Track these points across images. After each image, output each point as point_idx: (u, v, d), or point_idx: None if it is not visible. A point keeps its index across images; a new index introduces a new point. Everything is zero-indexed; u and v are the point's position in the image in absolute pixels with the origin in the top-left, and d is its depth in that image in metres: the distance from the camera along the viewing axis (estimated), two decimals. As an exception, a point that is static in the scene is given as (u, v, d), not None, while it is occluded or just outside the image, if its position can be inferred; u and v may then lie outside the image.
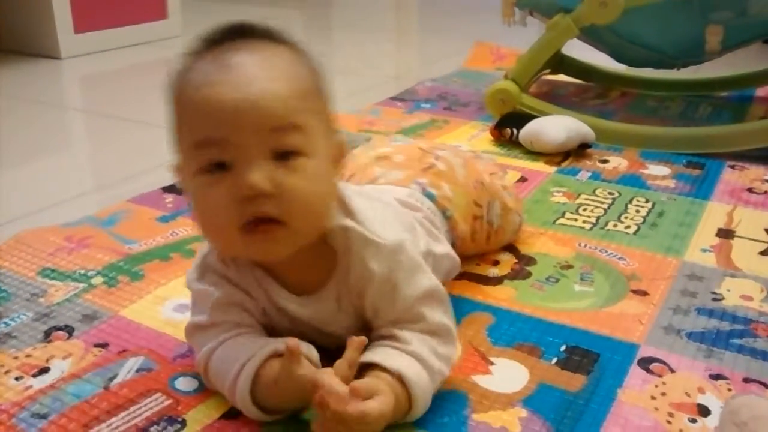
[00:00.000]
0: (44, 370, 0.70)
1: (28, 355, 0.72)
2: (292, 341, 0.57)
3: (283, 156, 0.57)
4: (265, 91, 0.56)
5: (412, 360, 0.62)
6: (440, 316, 0.65)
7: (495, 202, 0.87)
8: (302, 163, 0.57)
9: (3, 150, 1.36)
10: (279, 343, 0.61)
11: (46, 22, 2.04)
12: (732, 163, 1.24)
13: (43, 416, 0.63)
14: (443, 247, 0.77)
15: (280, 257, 0.60)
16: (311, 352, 0.62)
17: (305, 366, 0.57)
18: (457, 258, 0.80)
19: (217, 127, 0.56)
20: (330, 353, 0.63)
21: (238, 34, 0.60)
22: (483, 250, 0.89)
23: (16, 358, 0.72)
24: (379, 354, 0.62)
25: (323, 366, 0.59)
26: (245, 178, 0.55)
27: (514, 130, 1.30)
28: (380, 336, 0.65)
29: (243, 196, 0.56)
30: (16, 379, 0.68)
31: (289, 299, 0.65)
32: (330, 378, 0.55)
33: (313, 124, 0.59)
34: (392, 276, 0.64)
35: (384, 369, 0.60)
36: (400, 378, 0.60)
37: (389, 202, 0.75)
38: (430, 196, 0.80)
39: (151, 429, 0.62)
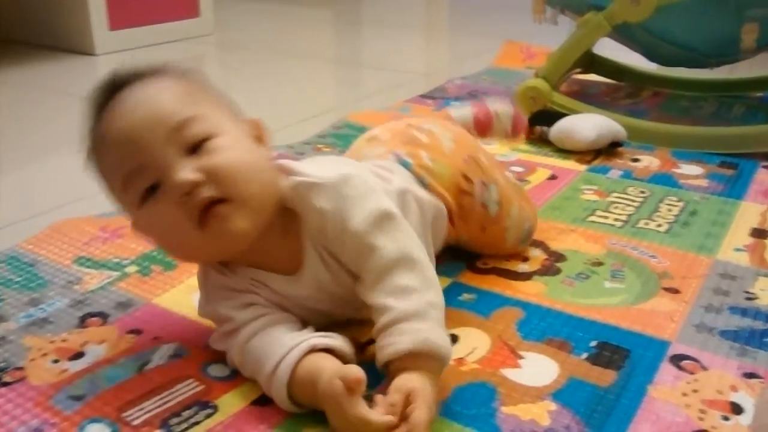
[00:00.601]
0: (79, 355, 0.71)
1: (64, 340, 0.73)
2: (353, 374, 0.57)
3: (195, 147, 0.61)
4: (148, 107, 0.62)
5: (408, 324, 0.61)
6: (396, 243, 0.64)
7: (491, 185, 0.83)
8: (216, 143, 0.62)
9: (38, 142, 1.38)
10: (314, 338, 0.63)
11: (81, 19, 2.08)
12: (766, 163, 1.22)
13: (79, 398, 0.65)
14: (425, 193, 0.77)
15: (244, 233, 0.62)
16: (345, 347, 0.63)
17: (358, 403, 0.57)
18: (441, 204, 0.78)
19: (129, 157, 0.61)
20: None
21: (119, 84, 0.65)
22: (479, 240, 0.85)
23: (52, 342, 0.73)
24: (385, 350, 0.61)
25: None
26: (173, 180, 0.60)
27: (545, 128, 1.29)
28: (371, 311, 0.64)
29: (181, 198, 0.59)
30: (53, 362, 0.70)
31: (284, 281, 0.67)
32: (378, 416, 0.56)
33: (208, 112, 0.64)
34: (341, 210, 0.64)
35: (398, 358, 0.60)
36: (413, 353, 0.60)
37: (364, 164, 0.76)
38: (406, 165, 0.79)
39: (184, 413, 0.63)
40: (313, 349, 0.62)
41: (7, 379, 0.67)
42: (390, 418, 0.56)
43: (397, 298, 0.62)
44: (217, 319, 0.68)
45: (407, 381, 0.59)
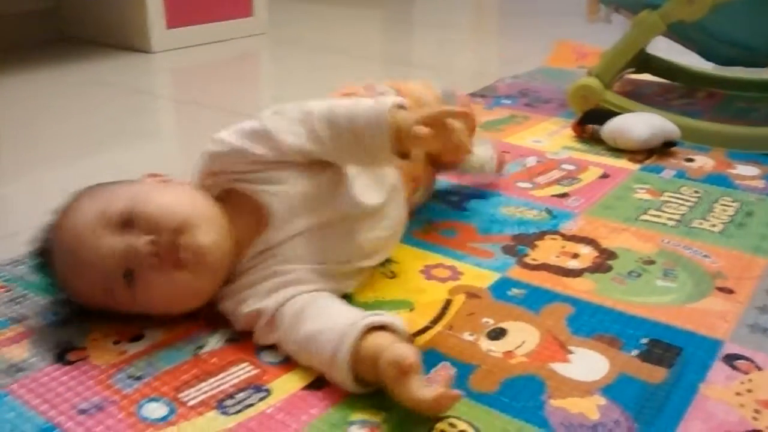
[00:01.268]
0: (139, 337, 0.73)
1: (124, 322, 0.76)
2: (406, 359, 0.59)
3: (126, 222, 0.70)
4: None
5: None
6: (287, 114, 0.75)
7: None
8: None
9: (98, 136, 1.43)
10: (368, 318, 0.64)
11: (139, 17, 2.13)
12: (826, 165, 1.20)
13: (138, 378, 0.67)
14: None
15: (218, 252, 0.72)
16: (397, 322, 0.65)
17: (411, 386, 0.59)
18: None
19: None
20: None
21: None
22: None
23: (113, 324, 0.76)
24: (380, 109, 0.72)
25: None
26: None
27: (597, 127, 1.28)
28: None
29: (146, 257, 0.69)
30: (114, 343, 0.72)
31: (275, 231, 0.73)
32: (428, 393, 0.58)
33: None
34: (228, 137, 0.75)
35: None
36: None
37: None
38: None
39: (238, 395, 0.64)
40: (368, 329, 0.64)
41: (70, 357, 0.70)
42: (439, 392, 0.57)
43: (336, 115, 0.73)
44: (250, 319, 0.71)
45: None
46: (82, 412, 0.63)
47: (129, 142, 1.40)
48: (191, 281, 0.70)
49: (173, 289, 0.70)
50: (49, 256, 0.73)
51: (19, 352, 0.71)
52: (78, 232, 0.69)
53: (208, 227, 0.70)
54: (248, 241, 0.74)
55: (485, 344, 0.72)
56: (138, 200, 0.70)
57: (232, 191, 0.75)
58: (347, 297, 0.78)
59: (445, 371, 0.59)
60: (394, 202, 0.82)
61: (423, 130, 0.68)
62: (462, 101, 1.04)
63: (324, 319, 0.67)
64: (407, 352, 0.59)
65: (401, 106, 0.72)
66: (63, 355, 0.70)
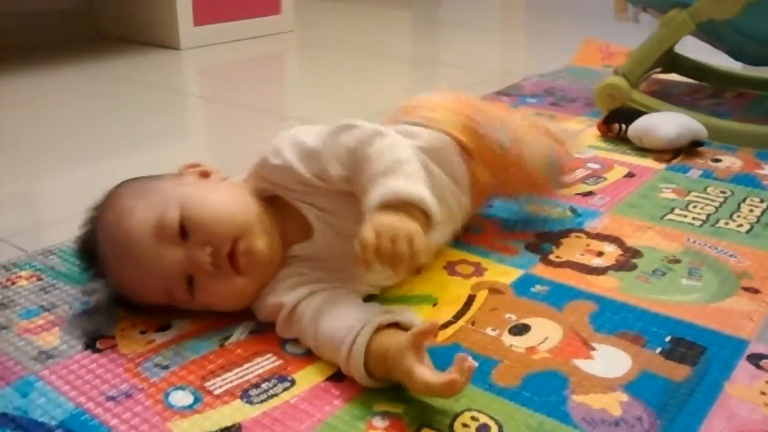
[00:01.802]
0: (166, 327, 0.75)
1: (151, 312, 0.77)
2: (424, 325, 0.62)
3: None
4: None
5: (379, 181, 0.67)
6: (353, 135, 0.72)
7: (499, 126, 0.86)
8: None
9: (127, 132, 1.45)
10: (379, 316, 0.65)
11: (168, 15, 2.16)
12: None
13: (165, 367, 0.68)
14: (422, 129, 0.81)
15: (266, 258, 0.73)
16: (411, 318, 0.66)
17: (412, 357, 0.60)
18: (444, 136, 0.82)
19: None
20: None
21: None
22: (507, 180, 0.86)
23: (141, 314, 0.77)
24: (370, 198, 0.67)
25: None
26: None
27: (623, 126, 1.28)
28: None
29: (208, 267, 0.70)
30: (141, 332, 0.74)
31: (309, 245, 0.75)
32: (421, 373, 0.59)
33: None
34: (295, 140, 0.74)
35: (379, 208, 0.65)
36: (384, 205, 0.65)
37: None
38: (418, 124, 0.83)
39: (263, 385, 0.65)
40: (380, 327, 0.64)
41: (99, 346, 0.72)
42: (450, 377, 0.58)
43: (370, 164, 0.69)
44: (271, 311, 0.73)
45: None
46: (111, 398, 0.64)
47: (156, 140, 1.42)
48: (248, 284, 0.72)
49: (231, 292, 0.72)
50: (95, 248, 0.73)
51: (50, 340, 0.72)
52: (136, 240, 0.70)
53: (261, 231, 0.72)
54: (286, 244, 0.76)
55: (508, 339, 0.72)
56: (191, 207, 0.70)
57: (280, 197, 0.77)
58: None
59: (463, 360, 0.59)
60: (441, 227, 0.81)
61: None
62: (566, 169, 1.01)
63: (341, 316, 0.68)
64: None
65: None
66: (92, 343, 0.72)
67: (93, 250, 0.74)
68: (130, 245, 0.70)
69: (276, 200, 0.77)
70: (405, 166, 0.68)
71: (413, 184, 0.66)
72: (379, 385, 0.64)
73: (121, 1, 2.26)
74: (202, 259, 0.69)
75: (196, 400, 0.64)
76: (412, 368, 0.59)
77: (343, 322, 0.67)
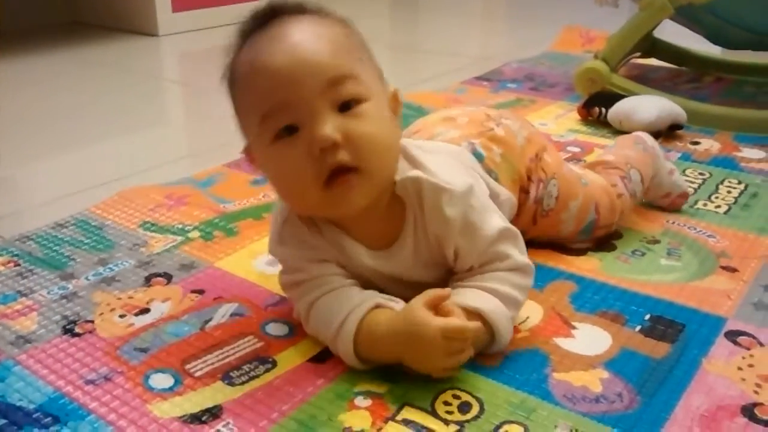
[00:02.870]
0: (145, 311, 0.74)
1: (130, 297, 0.77)
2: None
3: (345, 106, 0.61)
4: (312, 50, 0.61)
5: (489, 296, 0.65)
6: (519, 254, 0.68)
7: (552, 181, 0.83)
8: (365, 109, 0.61)
9: (106, 118, 1.43)
10: (380, 298, 0.65)
11: (145, 1, 2.13)
12: (833, 148, 1.19)
13: (144, 350, 0.68)
14: (501, 188, 0.77)
15: (359, 207, 0.63)
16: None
17: (425, 308, 0.61)
18: (514, 198, 0.80)
19: (279, 93, 0.60)
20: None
21: (279, 12, 0.64)
22: (531, 231, 0.84)
23: (119, 298, 0.76)
24: (458, 296, 0.64)
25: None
26: (317, 133, 0.59)
27: (603, 110, 1.28)
28: (460, 279, 0.68)
29: (318, 151, 0.59)
30: (120, 316, 0.73)
31: (366, 254, 0.68)
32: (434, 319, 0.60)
33: (363, 73, 0.62)
34: (468, 219, 0.66)
35: (464, 308, 0.63)
36: (479, 314, 0.63)
37: (448, 152, 0.75)
38: (479, 156, 0.78)
39: (244, 367, 0.65)
40: (379, 306, 0.64)
41: (78, 330, 0.71)
42: (443, 321, 0.59)
43: (501, 282, 0.67)
44: (288, 265, 0.69)
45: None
46: (90, 382, 0.63)
47: (136, 126, 1.41)
48: (315, 196, 0.62)
49: (295, 185, 0.62)
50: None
51: (28, 324, 0.72)
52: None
53: (373, 188, 0.63)
54: (359, 235, 0.68)
55: (489, 319, 0.72)
56: (368, 102, 0.62)
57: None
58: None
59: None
60: None
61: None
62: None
63: (345, 293, 0.67)
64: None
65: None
66: (70, 327, 0.71)
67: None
68: (308, 44, 0.61)
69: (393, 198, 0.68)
70: (516, 305, 0.68)
71: (508, 326, 0.66)
72: (363, 366, 0.64)
73: (97, -13, 2.24)
74: (329, 133, 0.59)
75: (177, 382, 0.63)
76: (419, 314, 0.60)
77: (342, 298, 0.66)
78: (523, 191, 0.82)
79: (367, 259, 0.68)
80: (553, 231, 0.86)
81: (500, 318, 0.65)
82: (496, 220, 0.68)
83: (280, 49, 0.60)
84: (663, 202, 0.97)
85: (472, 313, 0.63)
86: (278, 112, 0.60)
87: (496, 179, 0.78)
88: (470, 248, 0.67)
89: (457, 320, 0.61)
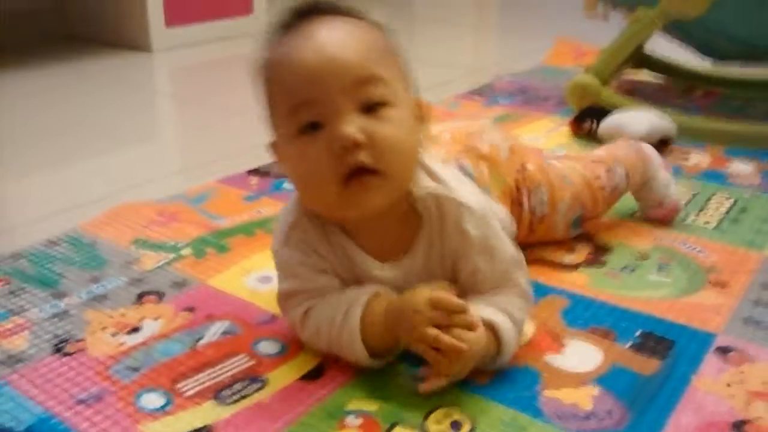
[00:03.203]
0: (136, 329, 0.74)
1: (122, 315, 0.77)
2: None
3: (371, 108, 0.61)
4: (343, 49, 0.61)
5: (502, 313, 0.65)
6: (525, 282, 0.69)
7: (540, 188, 0.85)
8: (389, 113, 0.61)
9: (98, 134, 1.43)
10: (379, 287, 0.66)
11: (139, 15, 2.14)
12: (822, 162, 1.20)
13: (136, 369, 0.68)
14: (498, 206, 0.78)
15: (375, 208, 0.63)
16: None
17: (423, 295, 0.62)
18: (510, 215, 0.80)
19: (306, 89, 0.60)
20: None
21: (314, 11, 0.64)
22: (529, 239, 0.85)
23: (111, 317, 0.76)
24: (472, 306, 0.64)
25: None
26: (339, 131, 0.59)
27: (594, 124, 1.29)
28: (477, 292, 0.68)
29: (339, 149, 0.59)
30: (112, 335, 0.73)
31: (374, 265, 0.68)
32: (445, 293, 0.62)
33: (392, 78, 0.63)
34: (489, 241, 0.67)
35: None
36: (492, 327, 0.64)
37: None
38: (469, 175, 0.78)
39: (235, 386, 0.65)
40: (378, 295, 0.65)
41: (68, 349, 0.71)
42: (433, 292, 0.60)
43: (512, 304, 0.67)
44: (286, 270, 0.69)
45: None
46: (81, 402, 0.63)
47: (129, 141, 1.41)
48: (332, 194, 0.62)
49: (314, 180, 0.62)
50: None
51: (19, 343, 0.71)
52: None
53: (390, 192, 0.64)
54: (368, 243, 0.68)
55: (480, 336, 0.72)
56: (394, 107, 0.63)
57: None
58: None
59: None
60: None
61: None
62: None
63: (338, 295, 0.67)
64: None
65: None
66: (61, 346, 0.71)
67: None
68: (339, 42, 0.62)
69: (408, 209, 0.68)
70: (521, 327, 0.68)
71: (514, 344, 0.67)
72: (367, 361, 0.64)
73: (91, 2, 2.24)
74: (352, 132, 0.59)
75: (168, 402, 0.63)
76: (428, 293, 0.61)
77: (338, 295, 0.67)
78: (517, 204, 0.83)
79: (374, 269, 0.68)
80: (549, 235, 0.89)
81: (510, 334, 0.65)
82: (509, 245, 0.69)
83: (311, 46, 0.61)
84: (655, 213, 0.98)
85: (486, 325, 0.63)
86: (304, 108, 0.61)
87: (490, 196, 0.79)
88: (490, 271, 0.67)
89: (446, 293, 0.61)
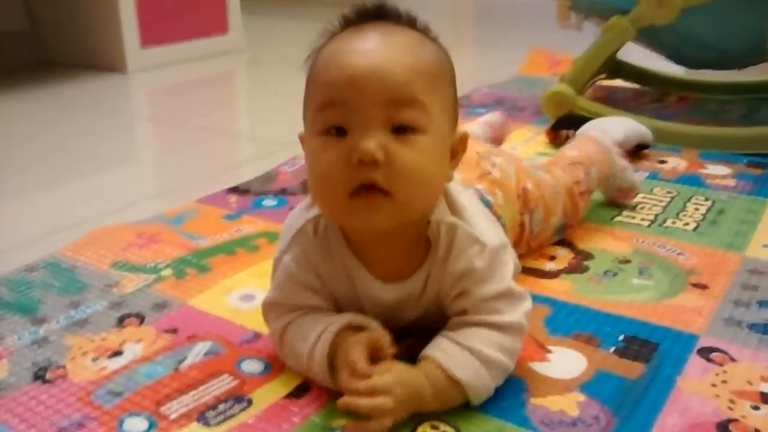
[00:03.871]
0: (118, 353, 0.73)
1: (103, 339, 0.76)
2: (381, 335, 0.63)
3: (400, 129, 0.59)
4: (390, 62, 0.59)
5: (472, 360, 0.62)
6: (517, 315, 0.65)
7: (538, 207, 0.87)
8: (418, 140, 0.59)
9: (76, 158, 1.42)
10: (354, 316, 0.65)
11: (113, 36, 2.13)
12: (796, 162, 1.22)
13: (118, 394, 0.67)
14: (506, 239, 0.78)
15: (380, 228, 0.62)
16: (380, 329, 0.64)
17: (359, 350, 0.61)
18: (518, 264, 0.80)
19: (339, 91, 0.59)
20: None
21: (375, 15, 0.63)
22: (523, 255, 0.86)
23: (92, 341, 0.75)
24: (433, 348, 0.63)
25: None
26: (359, 144, 0.58)
27: (570, 132, 1.30)
28: (447, 327, 0.66)
29: (355, 162, 0.58)
30: (93, 360, 0.72)
31: (375, 285, 0.67)
32: (358, 353, 0.60)
33: (434, 106, 0.60)
34: (489, 272, 0.65)
35: (431, 360, 0.62)
36: (447, 371, 0.62)
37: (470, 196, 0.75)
38: (487, 203, 0.79)
39: (219, 407, 0.64)
40: (351, 326, 0.64)
41: (49, 376, 0.70)
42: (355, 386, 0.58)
43: (483, 341, 0.63)
44: (280, 277, 0.68)
45: (404, 369, 0.61)
46: (62, 429, 0.62)
47: (106, 165, 1.40)
48: (336, 201, 0.62)
49: (324, 184, 0.62)
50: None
51: (-2, 372, 0.70)
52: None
53: (398, 216, 0.62)
54: (371, 261, 0.67)
55: (465, 347, 0.72)
56: (425, 135, 0.61)
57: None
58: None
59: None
60: None
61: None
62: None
63: (317, 315, 0.67)
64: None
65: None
66: (41, 373, 0.70)
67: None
68: (391, 54, 0.60)
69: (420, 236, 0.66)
70: (503, 370, 0.64)
71: (487, 383, 0.63)
72: (334, 386, 0.64)
73: (64, 24, 2.23)
74: (371, 148, 0.58)
75: (152, 425, 0.62)
76: (347, 363, 0.60)
77: (314, 319, 0.66)
78: (519, 225, 0.85)
79: (373, 289, 0.67)
80: (539, 246, 0.91)
81: (479, 390, 0.62)
82: (507, 280, 0.66)
83: (360, 50, 0.60)
84: (618, 197, 1.05)
85: (452, 380, 0.61)
86: (333, 109, 0.60)
87: (503, 225, 0.79)
88: (474, 294, 0.65)
89: (361, 365, 0.59)
